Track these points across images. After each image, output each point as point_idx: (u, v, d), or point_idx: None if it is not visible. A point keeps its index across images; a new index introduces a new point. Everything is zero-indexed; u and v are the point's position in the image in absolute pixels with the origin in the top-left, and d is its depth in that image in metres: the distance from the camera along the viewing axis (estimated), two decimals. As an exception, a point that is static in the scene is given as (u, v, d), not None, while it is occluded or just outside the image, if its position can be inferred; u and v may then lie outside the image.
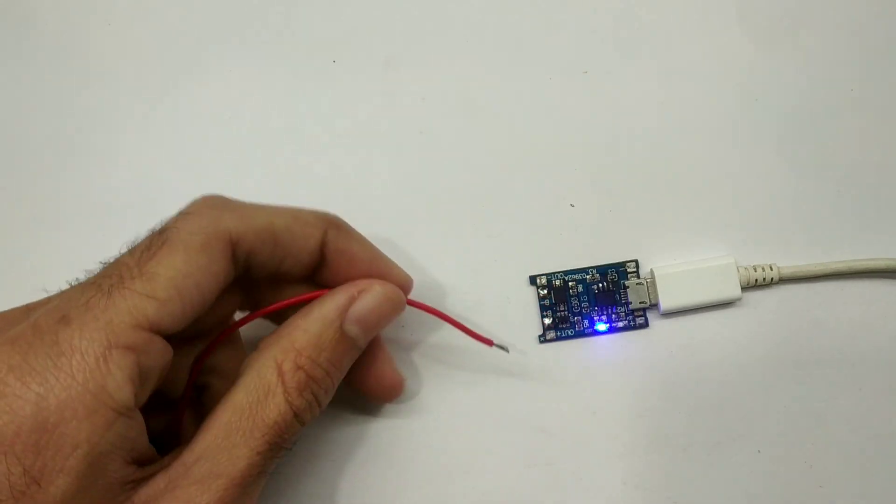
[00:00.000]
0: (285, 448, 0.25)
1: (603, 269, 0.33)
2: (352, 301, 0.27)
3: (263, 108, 0.35)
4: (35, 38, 0.36)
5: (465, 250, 0.33)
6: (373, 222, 0.31)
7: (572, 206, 0.34)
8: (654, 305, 0.32)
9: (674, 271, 0.32)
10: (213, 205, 0.25)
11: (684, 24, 0.35)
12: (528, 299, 0.33)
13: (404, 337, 0.33)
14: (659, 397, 0.32)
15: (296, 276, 0.28)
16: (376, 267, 0.28)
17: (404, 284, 0.29)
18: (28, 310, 0.25)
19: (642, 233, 0.33)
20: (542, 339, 0.33)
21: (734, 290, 0.32)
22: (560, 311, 0.33)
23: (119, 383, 0.21)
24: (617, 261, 0.33)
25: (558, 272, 0.33)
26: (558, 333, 0.33)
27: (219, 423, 0.24)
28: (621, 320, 0.33)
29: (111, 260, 0.24)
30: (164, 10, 0.36)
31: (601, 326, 0.33)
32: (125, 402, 0.21)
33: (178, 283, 0.23)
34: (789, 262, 0.32)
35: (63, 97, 0.36)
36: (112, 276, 0.23)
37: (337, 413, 0.32)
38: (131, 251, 0.24)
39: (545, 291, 0.33)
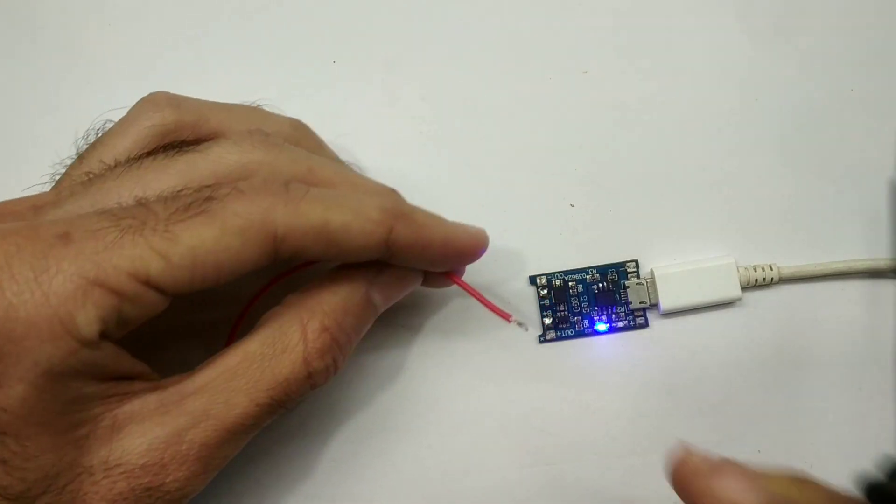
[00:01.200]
0: (286, 408, 0.25)
1: (603, 269, 0.33)
2: (378, 269, 0.27)
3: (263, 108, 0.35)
4: (35, 38, 0.36)
5: (465, 250, 0.33)
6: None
7: (572, 206, 0.34)
8: (654, 305, 0.32)
9: (674, 271, 0.32)
10: (272, 190, 0.24)
11: (684, 24, 0.35)
12: (528, 299, 0.33)
13: (403, 337, 0.32)
14: (659, 397, 0.32)
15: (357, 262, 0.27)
16: (451, 245, 0.28)
17: (479, 245, 0.29)
18: (34, 208, 0.24)
19: (642, 233, 0.33)
20: (542, 339, 0.33)
21: (734, 291, 0.32)
22: (560, 311, 0.33)
23: (89, 319, 0.21)
24: (617, 261, 0.33)
25: (558, 272, 0.33)
26: (558, 333, 0.32)
27: (225, 364, 0.24)
28: (621, 320, 0.32)
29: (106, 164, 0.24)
30: (164, 10, 0.36)
31: (601, 326, 0.32)
32: (89, 337, 0.21)
33: (198, 256, 0.22)
34: (789, 262, 0.32)
35: (63, 97, 0.36)
36: (135, 217, 0.22)
37: (335, 412, 0.32)
38: (168, 201, 0.23)
39: (545, 291, 0.33)
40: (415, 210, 0.27)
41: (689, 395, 0.32)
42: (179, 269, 0.22)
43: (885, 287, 0.33)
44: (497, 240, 0.33)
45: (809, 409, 0.32)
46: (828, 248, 0.33)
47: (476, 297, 0.29)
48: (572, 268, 0.33)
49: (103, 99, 0.35)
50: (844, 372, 0.32)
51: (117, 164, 0.26)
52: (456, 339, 0.32)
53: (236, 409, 0.24)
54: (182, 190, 0.24)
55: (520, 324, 0.30)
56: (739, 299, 0.32)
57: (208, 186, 0.23)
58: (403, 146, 0.34)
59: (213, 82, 0.35)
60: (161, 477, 0.23)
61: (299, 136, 0.30)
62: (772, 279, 0.32)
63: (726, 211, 0.33)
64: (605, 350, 0.32)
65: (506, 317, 0.30)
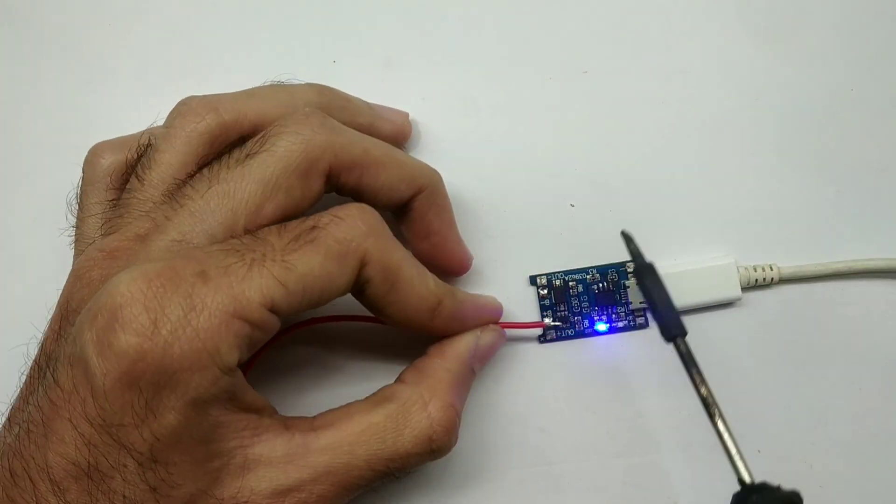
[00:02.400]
0: (399, 476, 0.27)
1: (603, 269, 0.33)
2: (476, 340, 0.30)
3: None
4: (36, 38, 0.36)
5: (465, 251, 0.33)
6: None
7: (572, 206, 0.33)
8: None
9: (674, 271, 0.31)
10: (366, 220, 0.26)
11: (684, 24, 0.34)
12: (529, 299, 0.33)
13: (404, 338, 0.32)
14: (659, 397, 0.32)
15: None
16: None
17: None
18: (139, 238, 0.26)
19: (642, 233, 0.32)
20: (543, 339, 0.32)
21: (734, 291, 0.31)
22: (560, 311, 0.32)
23: (231, 348, 0.23)
24: (617, 261, 0.33)
25: (558, 272, 0.33)
26: (559, 333, 0.32)
27: (350, 429, 0.26)
28: (621, 320, 0.32)
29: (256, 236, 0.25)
30: (164, 10, 0.36)
31: (601, 326, 0.32)
32: (230, 365, 0.23)
33: (308, 282, 0.24)
34: (789, 263, 0.32)
35: (63, 97, 0.35)
36: (255, 251, 0.24)
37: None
38: (280, 232, 0.25)
39: (545, 291, 0.32)
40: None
41: (689, 395, 0.31)
42: (294, 294, 0.24)
43: (885, 287, 0.32)
44: (497, 240, 0.33)
45: (809, 408, 0.32)
46: (827, 249, 0.33)
47: (512, 326, 0.32)
48: (572, 268, 0.33)
49: (103, 99, 0.35)
50: (844, 372, 0.32)
51: (189, 177, 0.27)
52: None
53: (355, 471, 0.26)
54: (289, 222, 0.26)
55: (553, 325, 0.32)
56: (739, 299, 0.32)
57: (311, 217, 0.26)
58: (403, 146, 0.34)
59: (213, 82, 0.35)
60: None
61: (329, 100, 0.31)
62: (772, 279, 0.32)
63: (726, 211, 0.33)
64: (605, 350, 0.32)
65: (541, 325, 0.32)
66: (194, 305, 0.23)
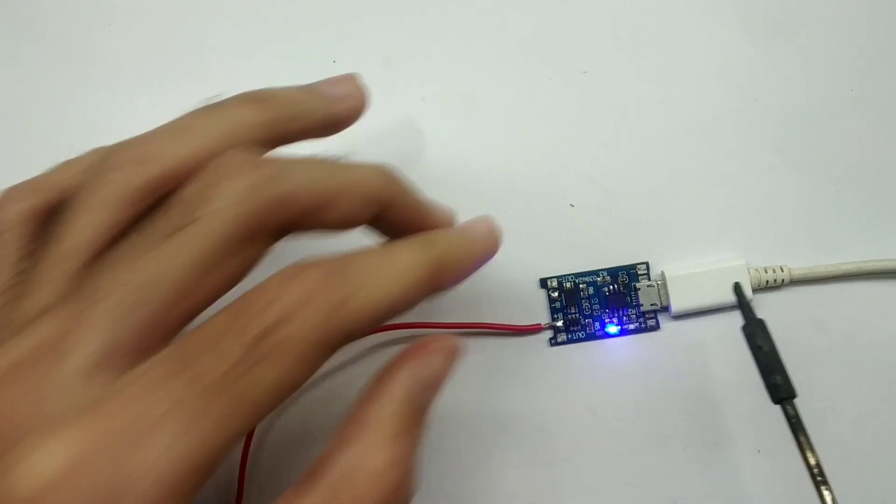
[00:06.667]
0: None
1: (614, 272, 0.31)
2: (415, 373, 0.22)
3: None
4: (35, 38, 0.34)
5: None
6: (372, 224, 0.29)
7: (572, 206, 0.32)
8: (666, 308, 0.31)
9: (685, 273, 0.30)
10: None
11: (684, 24, 0.33)
12: (539, 302, 0.31)
13: (403, 335, 0.31)
14: (660, 397, 0.30)
15: None
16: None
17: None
18: (51, 349, 0.19)
19: (642, 233, 0.32)
20: (553, 341, 0.31)
21: (745, 292, 0.29)
22: (571, 313, 0.31)
23: None
24: (622, 262, 0.31)
25: (569, 275, 0.31)
26: (569, 336, 0.31)
27: (322, 490, 0.20)
28: (632, 322, 0.31)
29: None
30: (164, 10, 0.34)
31: (612, 329, 0.31)
32: None
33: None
34: (797, 264, 0.31)
35: (63, 97, 0.34)
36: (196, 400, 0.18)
37: (335, 413, 0.30)
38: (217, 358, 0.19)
39: (556, 294, 0.31)
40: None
41: (690, 395, 0.30)
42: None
43: (891, 287, 0.31)
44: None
45: (809, 409, 0.29)
46: (827, 249, 0.31)
47: (511, 329, 0.30)
48: (578, 269, 0.31)
49: (103, 99, 0.33)
50: (844, 372, 0.30)
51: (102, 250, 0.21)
52: (467, 344, 0.30)
53: None
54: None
55: (550, 326, 0.30)
56: (750, 301, 0.30)
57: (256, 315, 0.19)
58: (403, 146, 0.32)
59: (213, 82, 0.33)
60: None
61: (275, 114, 0.23)
62: (782, 280, 0.30)
63: (724, 211, 0.32)
64: (615, 352, 0.31)
65: (538, 327, 0.31)
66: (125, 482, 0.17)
